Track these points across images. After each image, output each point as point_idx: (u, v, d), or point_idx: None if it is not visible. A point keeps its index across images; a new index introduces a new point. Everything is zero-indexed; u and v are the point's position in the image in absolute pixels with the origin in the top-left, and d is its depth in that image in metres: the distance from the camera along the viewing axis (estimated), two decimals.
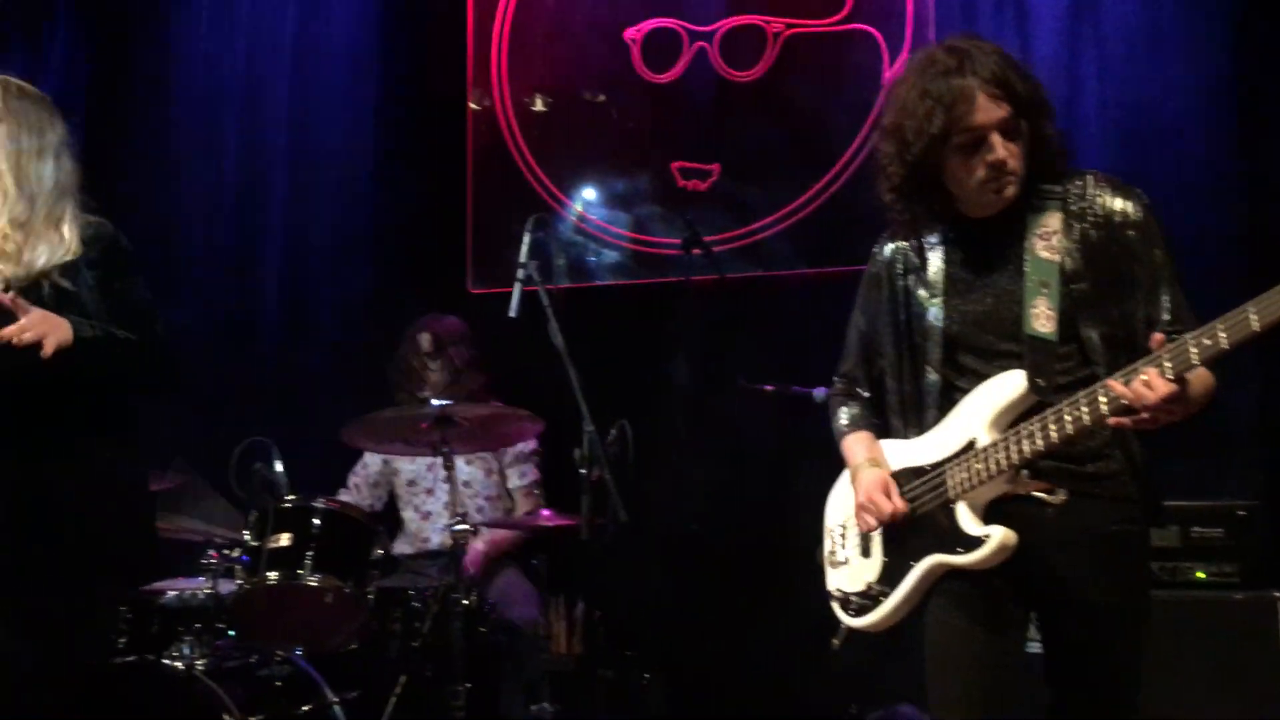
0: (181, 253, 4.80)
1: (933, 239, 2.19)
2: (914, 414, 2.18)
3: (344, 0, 4.84)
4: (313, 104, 4.82)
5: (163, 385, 2.34)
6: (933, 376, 2.14)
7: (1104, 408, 1.87)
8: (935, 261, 2.18)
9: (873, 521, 2.15)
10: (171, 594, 3.24)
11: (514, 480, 3.96)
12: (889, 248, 2.27)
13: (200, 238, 4.84)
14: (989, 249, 2.12)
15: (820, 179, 4.26)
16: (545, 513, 3.62)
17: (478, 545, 3.65)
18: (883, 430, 2.26)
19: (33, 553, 2.15)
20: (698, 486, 3.87)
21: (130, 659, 3.06)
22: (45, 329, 2.11)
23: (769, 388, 3.85)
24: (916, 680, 2.22)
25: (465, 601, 3.23)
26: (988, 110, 2.01)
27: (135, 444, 2.40)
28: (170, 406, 4.28)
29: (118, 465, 2.32)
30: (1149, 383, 1.81)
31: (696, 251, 3.91)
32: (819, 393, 3.82)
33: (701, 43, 4.44)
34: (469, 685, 3.14)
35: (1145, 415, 1.82)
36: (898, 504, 2.12)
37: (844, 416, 2.32)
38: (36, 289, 2.23)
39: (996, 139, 2.02)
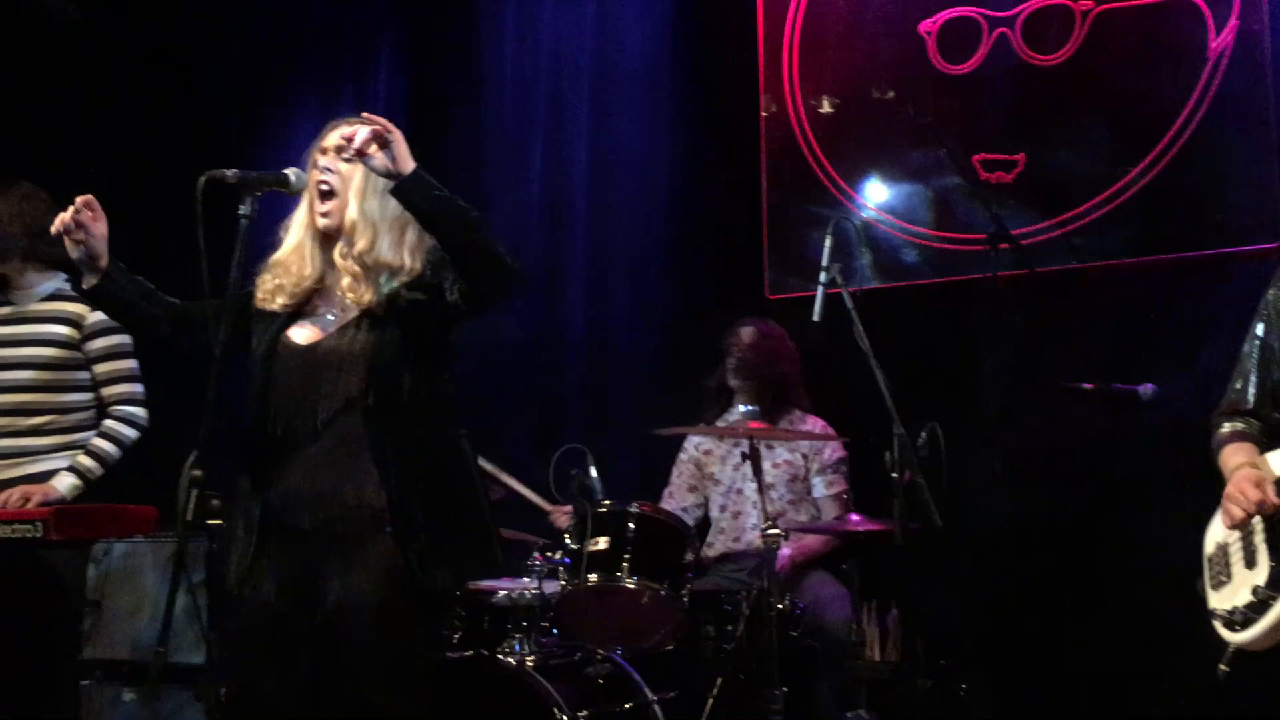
0: None
1: None
2: None
3: (639, 19, 4.98)
4: (611, 121, 4.98)
5: (497, 270, 2.33)
6: None
7: None
8: None
9: (1237, 512, 2.07)
10: (501, 593, 3.41)
11: (819, 489, 3.93)
12: None
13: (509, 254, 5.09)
14: None
15: (1139, 163, 3.99)
16: (854, 518, 3.57)
17: (785, 550, 3.64)
18: (1268, 447, 2.18)
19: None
20: (1014, 489, 3.72)
21: (467, 654, 3.25)
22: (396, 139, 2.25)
23: (1088, 386, 3.67)
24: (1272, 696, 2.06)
25: (780, 606, 3.24)
26: None
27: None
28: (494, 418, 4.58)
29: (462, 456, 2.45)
30: None
31: (1004, 246, 3.76)
32: (1145, 389, 3.61)
33: (1002, 29, 4.27)
34: (785, 689, 3.14)
35: None
36: (1269, 495, 2.03)
37: (1224, 429, 2.26)
38: (393, 304, 2.39)
39: None
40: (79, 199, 2.39)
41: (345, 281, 2.39)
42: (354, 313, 2.39)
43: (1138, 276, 4.03)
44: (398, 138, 2.26)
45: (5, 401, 3.31)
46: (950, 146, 4.08)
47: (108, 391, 3.35)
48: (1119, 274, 4.06)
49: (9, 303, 3.39)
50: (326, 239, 2.46)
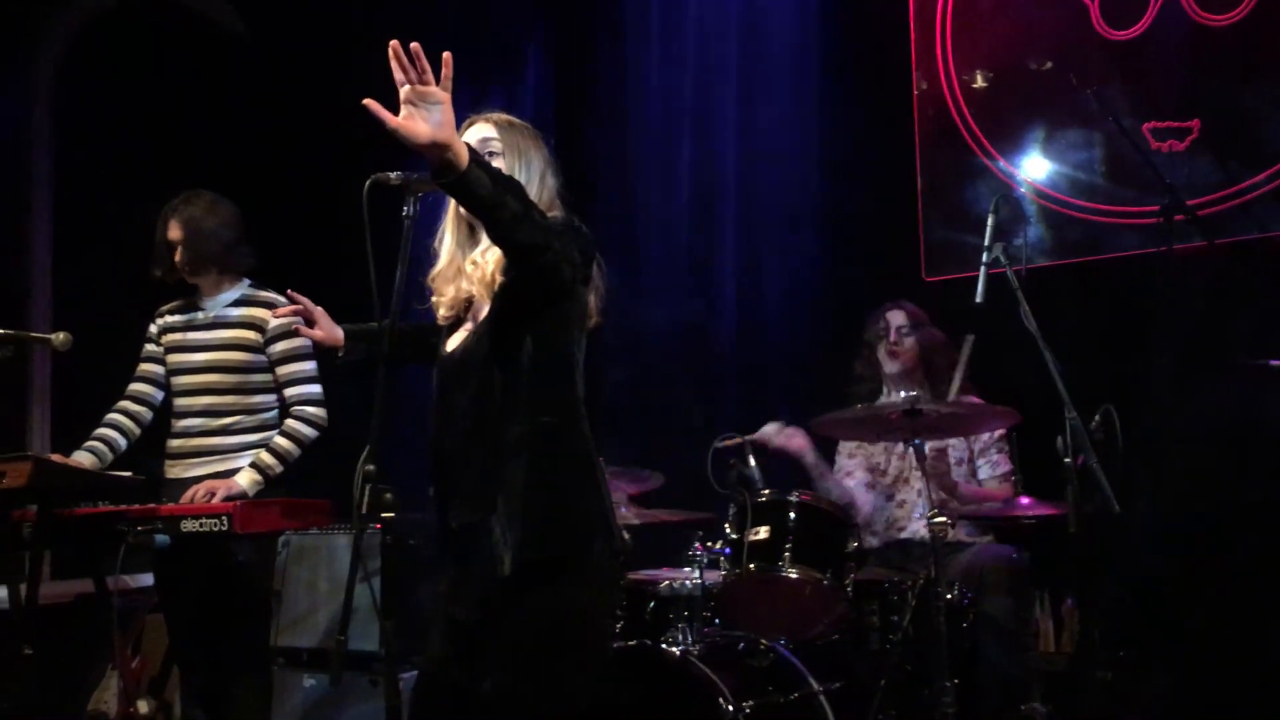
0: (643, 264, 5.09)
1: None
2: None
3: (784, 4, 4.91)
4: (759, 109, 4.93)
5: (531, 247, 2.16)
6: None
7: None
8: None
9: None
10: (664, 583, 3.42)
11: (985, 471, 3.82)
12: None
13: (659, 247, 5.10)
14: None
15: None
16: (1024, 500, 3.45)
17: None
18: None
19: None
20: (1196, 473, 3.55)
21: (631, 643, 3.27)
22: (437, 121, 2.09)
23: (1275, 363, 3.46)
24: None
25: (948, 596, 3.16)
26: None
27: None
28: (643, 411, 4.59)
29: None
30: None
31: (1179, 218, 3.58)
32: None
33: None
34: (956, 681, 3.06)
35: None
36: None
37: None
38: (504, 291, 2.31)
39: None
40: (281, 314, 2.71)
41: (476, 275, 2.37)
42: (483, 310, 2.38)
43: None
44: (446, 109, 2.07)
45: (198, 403, 3.49)
46: (1117, 115, 3.91)
47: (289, 392, 3.48)
48: None
49: (202, 309, 3.56)
50: (471, 242, 2.45)
